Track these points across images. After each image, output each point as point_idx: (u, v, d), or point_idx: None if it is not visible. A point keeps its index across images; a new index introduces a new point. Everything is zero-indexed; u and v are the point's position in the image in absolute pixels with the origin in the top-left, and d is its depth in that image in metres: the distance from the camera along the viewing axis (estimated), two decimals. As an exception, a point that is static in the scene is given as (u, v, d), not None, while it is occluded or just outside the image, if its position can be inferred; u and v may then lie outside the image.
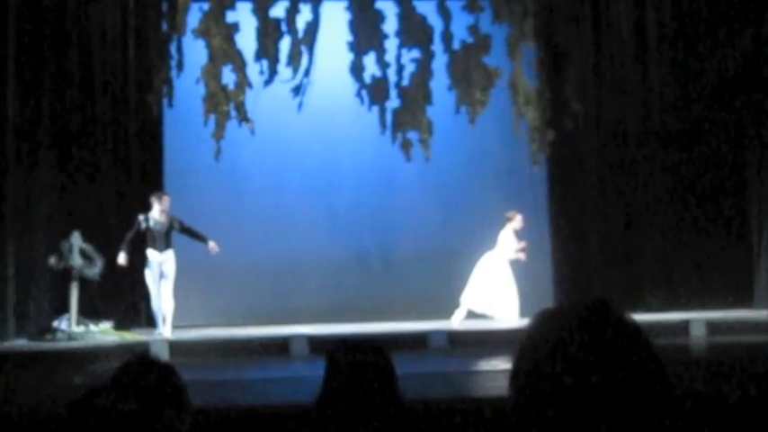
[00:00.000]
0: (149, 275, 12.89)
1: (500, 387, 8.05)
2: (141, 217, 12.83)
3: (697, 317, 12.71)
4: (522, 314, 13.47)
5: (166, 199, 13.03)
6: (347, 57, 14.89)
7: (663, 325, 12.00)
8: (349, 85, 14.86)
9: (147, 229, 12.82)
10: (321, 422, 3.18)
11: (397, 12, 14.96)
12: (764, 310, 13.70)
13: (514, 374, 1.52)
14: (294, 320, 13.73)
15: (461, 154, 15.21)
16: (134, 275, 14.28)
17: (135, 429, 2.55)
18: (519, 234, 13.92)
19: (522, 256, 13.80)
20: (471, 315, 13.69)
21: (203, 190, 14.69)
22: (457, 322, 13.49)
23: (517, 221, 13.89)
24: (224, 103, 14.44)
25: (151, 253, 12.85)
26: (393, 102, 14.94)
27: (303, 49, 14.88)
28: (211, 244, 13.02)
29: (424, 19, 14.89)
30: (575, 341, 1.46)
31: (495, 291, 13.67)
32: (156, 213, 12.87)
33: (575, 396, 1.42)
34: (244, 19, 14.69)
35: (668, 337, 11.13)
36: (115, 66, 14.31)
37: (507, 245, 13.79)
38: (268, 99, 14.57)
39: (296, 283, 14.70)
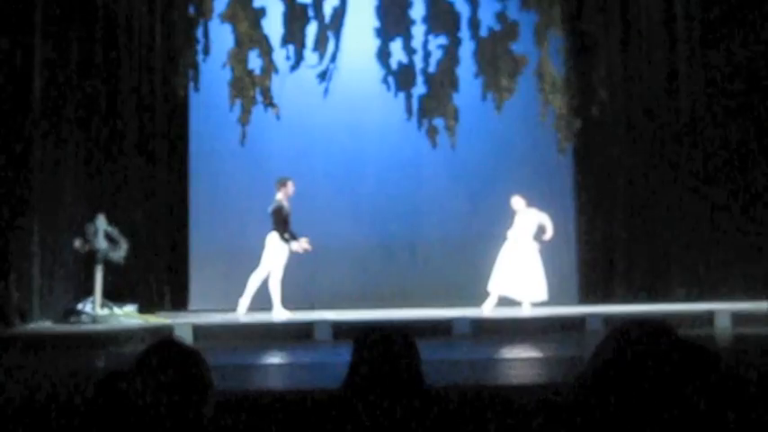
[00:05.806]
0: (283, 258, 13.11)
1: (521, 375, 8.02)
2: (283, 203, 13.10)
3: (722, 308, 12.62)
4: (550, 299, 13.50)
5: (291, 184, 13.19)
6: (374, 42, 14.88)
7: (688, 315, 11.97)
8: (375, 71, 14.85)
9: (287, 214, 13.15)
10: (346, 407, 3.17)
11: (425, -3, 14.95)
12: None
13: (585, 372, 1.69)
14: (318, 306, 13.75)
15: (487, 141, 15.15)
16: (157, 258, 14.33)
17: (159, 413, 2.54)
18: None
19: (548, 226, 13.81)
20: (500, 302, 13.70)
21: (228, 174, 14.71)
22: (488, 310, 13.49)
23: (520, 204, 13.88)
24: (250, 88, 14.45)
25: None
26: (419, 88, 14.93)
27: (330, 34, 14.88)
28: (304, 244, 13.27)
29: (451, 5, 14.86)
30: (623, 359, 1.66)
31: (524, 275, 13.66)
32: (284, 199, 13.04)
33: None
34: (270, 4, 14.70)
35: (693, 328, 11.09)
36: (142, 49, 14.30)
37: (532, 229, 13.80)
38: (294, 84, 14.58)
39: (321, 269, 14.68)
